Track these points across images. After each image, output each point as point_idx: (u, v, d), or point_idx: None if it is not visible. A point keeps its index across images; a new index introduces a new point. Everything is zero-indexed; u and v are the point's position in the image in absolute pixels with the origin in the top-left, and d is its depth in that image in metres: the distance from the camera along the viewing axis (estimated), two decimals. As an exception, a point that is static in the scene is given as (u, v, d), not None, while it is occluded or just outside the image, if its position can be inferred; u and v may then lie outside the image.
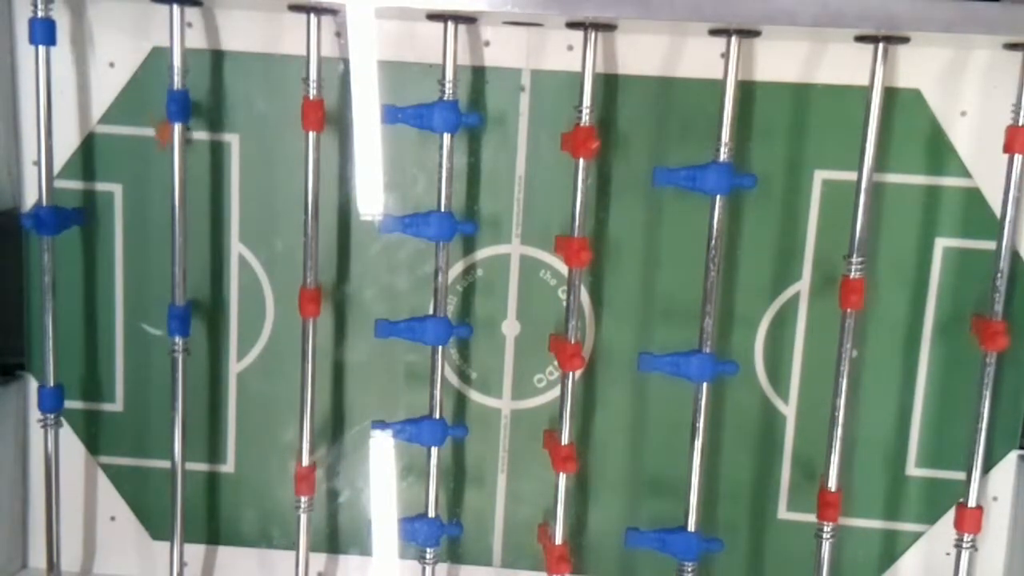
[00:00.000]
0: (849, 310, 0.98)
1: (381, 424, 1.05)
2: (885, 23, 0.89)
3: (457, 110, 0.98)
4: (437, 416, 1.04)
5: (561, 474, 1.02)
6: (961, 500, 1.02)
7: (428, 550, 1.06)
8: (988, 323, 0.98)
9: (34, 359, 1.12)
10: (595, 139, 0.97)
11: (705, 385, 0.99)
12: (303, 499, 1.06)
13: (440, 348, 1.03)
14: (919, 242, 1.05)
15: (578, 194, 0.98)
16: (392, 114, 0.99)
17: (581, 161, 0.97)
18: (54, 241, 1.04)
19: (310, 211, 1.01)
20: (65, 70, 1.05)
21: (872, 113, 0.95)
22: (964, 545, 1.01)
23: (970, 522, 1.01)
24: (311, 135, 0.99)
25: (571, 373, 1.01)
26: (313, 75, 0.98)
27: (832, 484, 1.01)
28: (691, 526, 1.01)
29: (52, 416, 1.06)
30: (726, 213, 0.98)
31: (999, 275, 0.97)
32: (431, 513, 1.05)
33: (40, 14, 0.98)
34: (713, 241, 0.97)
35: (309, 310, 1.03)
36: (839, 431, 1.00)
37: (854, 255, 0.97)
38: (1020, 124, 0.94)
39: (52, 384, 1.06)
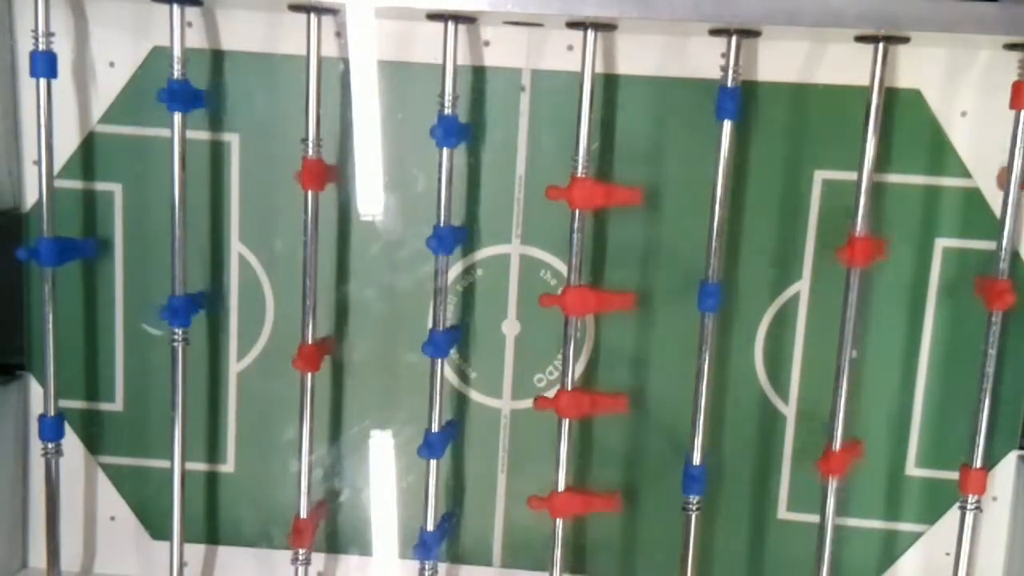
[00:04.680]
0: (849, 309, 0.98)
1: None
2: (885, 23, 0.89)
3: (457, 125, 0.98)
4: (435, 429, 1.03)
5: (561, 471, 1.02)
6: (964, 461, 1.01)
7: (427, 564, 1.06)
8: (994, 282, 0.96)
9: (34, 359, 1.12)
10: (598, 189, 0.97)
11: (711, 317, 0.98)
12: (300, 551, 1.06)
13: (440, 360, 1.02)
14: (919, 242, 1.05)
15: (574, 245, 0.98)
16: None
17: (577, 212, 0.97)
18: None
19: (310, 211, 1.01)
20: (65, 70, 1.05)
21: (872, 113, 0.95)
22: (969, 507, 1.00)
23: (975, 483, 1.00)
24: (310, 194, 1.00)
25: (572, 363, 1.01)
26: (312, 135, 0.99)
27: None
28: (696, 460, 1.00)
29: (52, 445, 1.06)
30: (733, 144, 0.96)
31: (999, 275, 0.97)
32: (430, 526, 1.05)
33: (41, 47, 0.98)
34: (721, 169, 0.96)
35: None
36: (839, 431, 1.00)
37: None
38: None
39: (53, 413, 1.06)
